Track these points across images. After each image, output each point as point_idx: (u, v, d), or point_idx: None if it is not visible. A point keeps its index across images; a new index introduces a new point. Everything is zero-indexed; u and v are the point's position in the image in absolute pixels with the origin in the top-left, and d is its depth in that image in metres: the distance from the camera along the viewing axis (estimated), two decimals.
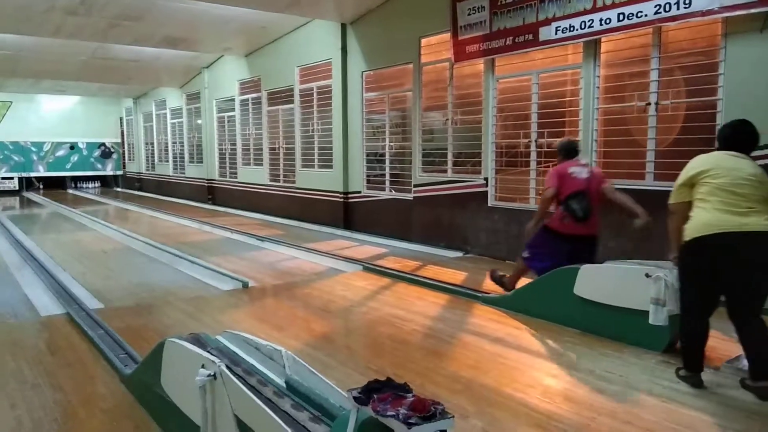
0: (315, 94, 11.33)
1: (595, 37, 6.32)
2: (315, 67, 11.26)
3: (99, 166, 23.03)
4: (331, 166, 10.91)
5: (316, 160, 11.53)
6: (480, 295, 5.67)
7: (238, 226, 11.19)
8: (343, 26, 10.29)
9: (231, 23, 11.08)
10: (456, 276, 6.69)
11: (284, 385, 2.44)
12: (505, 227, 7.61)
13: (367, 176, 10.26)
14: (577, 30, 6.42)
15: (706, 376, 3.55)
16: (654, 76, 5.98)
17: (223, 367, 2.36)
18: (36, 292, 6.04)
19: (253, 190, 13.85)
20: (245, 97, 14.00)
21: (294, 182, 12.19)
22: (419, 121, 8.96)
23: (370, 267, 7.20)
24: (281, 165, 12.70)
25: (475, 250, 8.03)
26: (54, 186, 21.98)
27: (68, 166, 22.31)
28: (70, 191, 21.78)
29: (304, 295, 6.02)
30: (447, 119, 8.48)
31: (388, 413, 1.84)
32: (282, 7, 9.69)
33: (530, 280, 5.38)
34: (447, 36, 8.11)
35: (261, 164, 13.45)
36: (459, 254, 8.06)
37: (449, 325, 4.91)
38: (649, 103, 6.02)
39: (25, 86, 18.78)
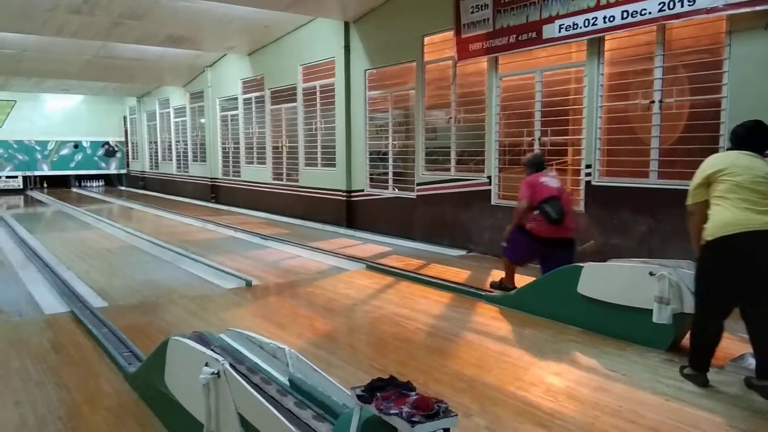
0: (318, 93, 11.33)
1: (598, 34, 6.30)
2: (318, 66, 11.26)
3: (103, 164, 23.14)
4: (334, 165, 10.91)
5: (319, 159, 11.54)
6: (483, 293, 5.67)
7: (242, 224, 11.20)
8: (346, 24, 10.28)
9: (234, 22, 11.10)
10: (459, 274, 6.68)
11: (287, 383, 2.45)
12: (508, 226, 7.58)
13: (370, 175, 10.26)
14: (580, 28, 6.40)
15: (710, 375, 3.54)
16: (658, 74, 5.95)
17: (227, 365, 2.36)
18: (40, 291, 6.06)
19: (256, 188, 13.86)
20: (248, 95, 14.01)
21: (297, 181, 12.19)
22: (422, 119, 8.95)
23: (373, 265, 7.20)
24: (284, 163, 12.69)
25: (478, 249, 8.01)
26: (58, 185, 22.06)
27: (72, 164, 22.42)
28: (74, 190, 21.86)
29: (307, 293, 6.03)
30: (450, 117, 8.47)
31: (392, 411, 1.84)
32: (285, 5, 9.69)
33: (533, 279, 5.40)
34: (450, 34, 8.10)
35: (264, 163, 13.46)
36: (462, 253, 8.06)
37: (452, 324, 4.90)
38: (653, 101, 5.99)
39: (29, 85, 18.86)
